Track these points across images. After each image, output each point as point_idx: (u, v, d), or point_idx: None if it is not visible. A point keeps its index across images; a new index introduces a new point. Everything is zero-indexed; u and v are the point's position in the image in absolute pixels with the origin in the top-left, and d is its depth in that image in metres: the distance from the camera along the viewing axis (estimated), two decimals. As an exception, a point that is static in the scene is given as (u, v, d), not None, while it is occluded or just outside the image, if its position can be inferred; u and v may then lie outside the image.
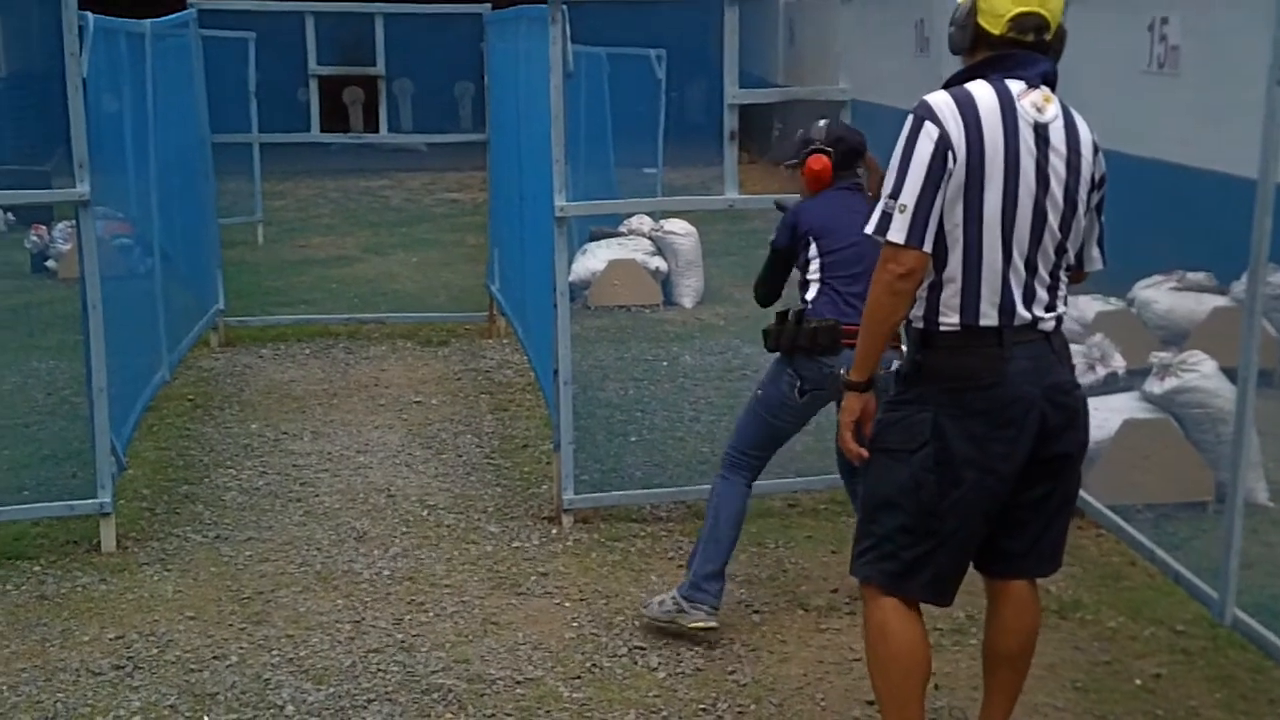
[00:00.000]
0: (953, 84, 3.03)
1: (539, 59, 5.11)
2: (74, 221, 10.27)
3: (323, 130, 8.32)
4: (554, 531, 5.11)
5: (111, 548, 4.87)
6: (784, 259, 4.33)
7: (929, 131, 2.92)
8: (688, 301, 9.27)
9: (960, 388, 2.98)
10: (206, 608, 4.45)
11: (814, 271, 4.23)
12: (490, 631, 4.30)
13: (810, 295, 4.22)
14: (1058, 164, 2.98)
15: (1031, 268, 2.99)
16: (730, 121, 5.00)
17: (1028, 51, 3.01)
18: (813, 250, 4.22)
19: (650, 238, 9.64)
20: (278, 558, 4.89)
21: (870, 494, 3.17)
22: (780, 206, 4.46)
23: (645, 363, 7.60)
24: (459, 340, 8.34)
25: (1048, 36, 3.03)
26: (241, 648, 4.17)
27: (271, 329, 8.46)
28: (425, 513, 5.34)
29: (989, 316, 2.96)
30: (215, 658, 4.11)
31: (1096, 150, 3.08)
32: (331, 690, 3.92)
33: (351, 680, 3.97)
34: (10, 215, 11.90)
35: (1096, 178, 3.08)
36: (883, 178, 3.05)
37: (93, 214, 4.69)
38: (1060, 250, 3.03)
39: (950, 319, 2.98)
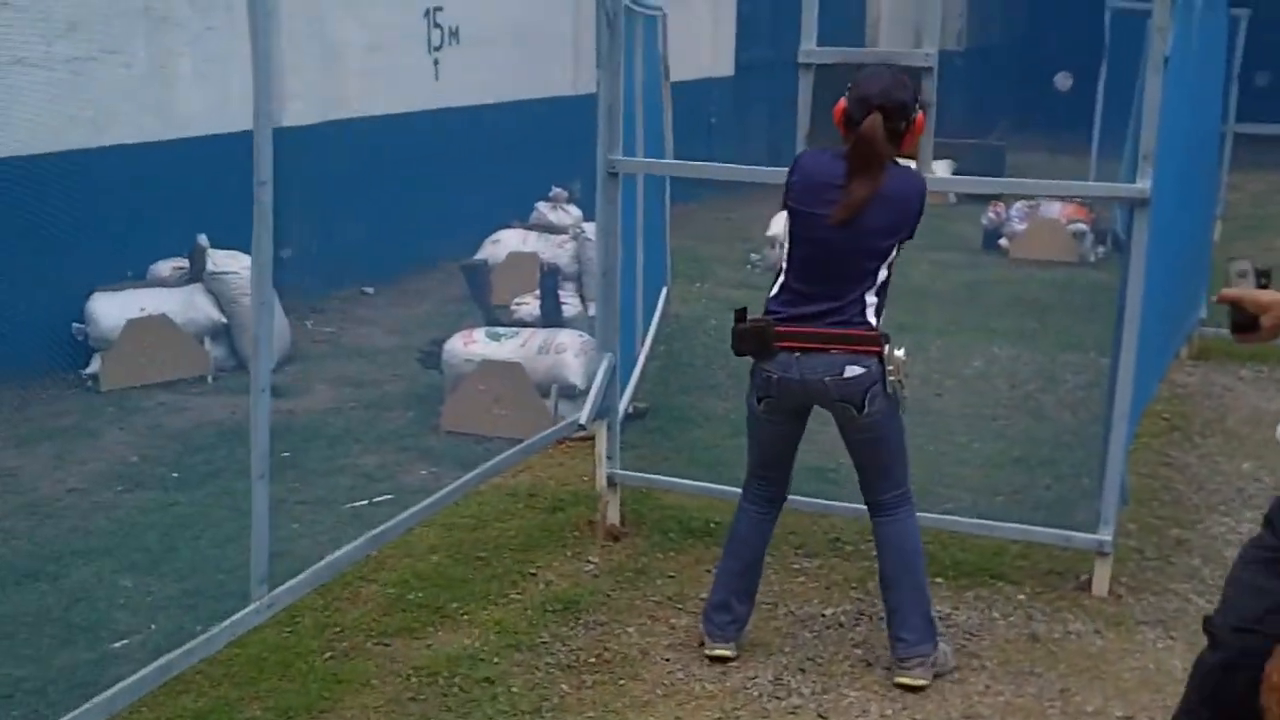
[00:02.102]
0: None
1: None
2: (1033, 202, 10.17)
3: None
4: None
5: (1104, 592, 4.28)
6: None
7: None
8: None
9: None
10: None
11: (784, 254, 3.65)
12: None
13: (773, 289, 3.68)
14: None
15: None
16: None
17: None
18: (789, 225, 3.63)
19: None
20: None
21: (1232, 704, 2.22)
22: None
23: None
24: None
25: None
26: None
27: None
28: None
29: None
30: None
31: None
32: None
33: None
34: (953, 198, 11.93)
35: None
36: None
37: (1151, 216, 4.05)
38: None
39: None
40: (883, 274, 3.59)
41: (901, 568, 3.72)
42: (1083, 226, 9.87)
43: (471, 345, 5.92)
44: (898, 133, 3.50)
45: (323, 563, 3.68)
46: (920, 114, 3.56)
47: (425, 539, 4.64)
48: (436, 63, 8.86)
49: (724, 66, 12.98)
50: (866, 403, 3.58)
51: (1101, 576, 4.29)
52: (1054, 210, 9.97)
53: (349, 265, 8.21)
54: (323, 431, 5.83)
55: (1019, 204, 10.22)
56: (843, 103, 3.55)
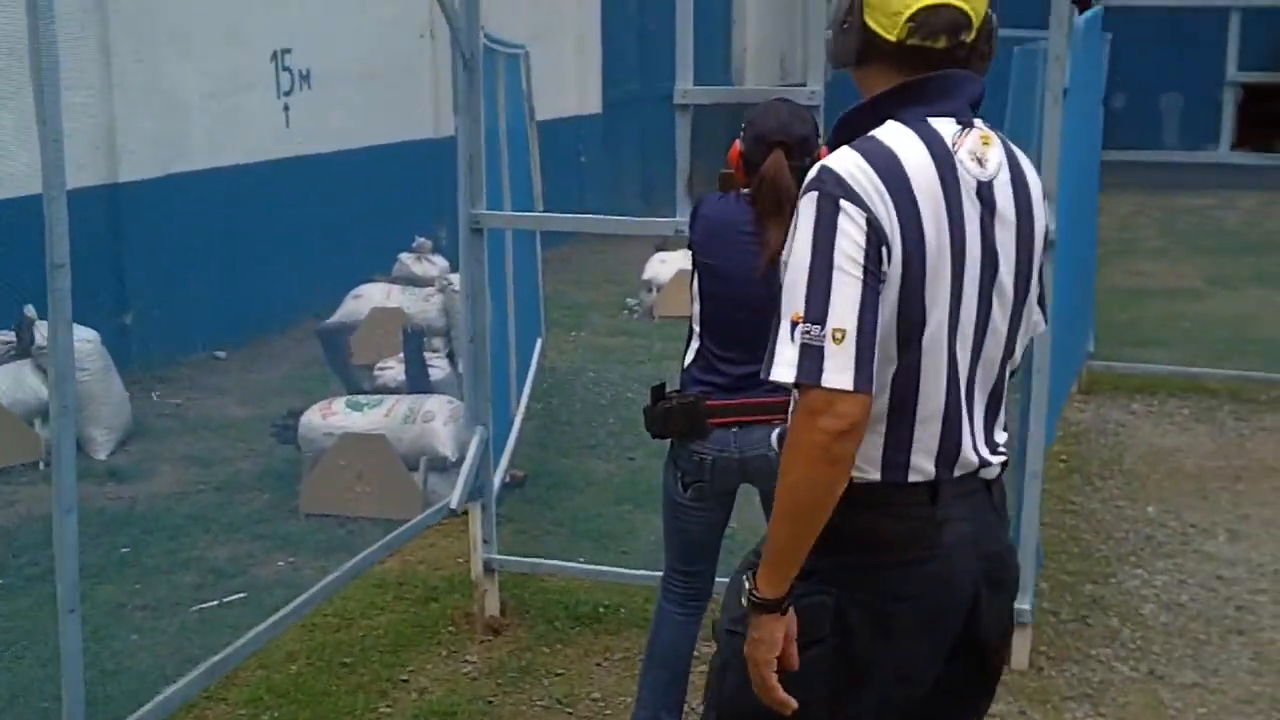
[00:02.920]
0: (849, 130, 2.06)
1: None
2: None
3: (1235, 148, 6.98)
4: None
5: (1024, 665, 3.99)
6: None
7: (852, 216, 1.92)
8: None
9: (876, 564, 2.03)
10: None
11: (695, 316, 3.25)
12: None
13: (688, 357, 3.26)
14: (1006, 240, 2.05)
15: (971, 391, 2.06)
16: None
17: (953, 68, 2.04)
18: (695, 282, 3.25)
19: None
20: (1236, 719, 3.74)
21: (726, 705, 2.15)
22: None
23: None
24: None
25: (968, 38, 2.05)
26: None
27: (1133, 377, 7.28)
28: None
29: (921, 469, 2.03)
30: None
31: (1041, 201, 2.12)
32: None
33: None
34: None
35: (1045, 240, 2.17)
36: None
37: (1057, 259, 3.78)
38: (1006, 358, 2.11)
39: (867, 474, 2.01)
40: None
41: None
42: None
43: (331, 417, 5.44)
44: (803, 170, 3.14)
45: (148, 707, 3.18)
46: (824, 149, 3.20)
47: (283, 644, 4.15)
48: (287, 108, 8.36)
49: (591, 104, 12.66)
50: None
51: (1021, 648, 3.99)
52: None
53: (198, 328, 7.64)
54: (166, 520, 5.28)
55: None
56: (737, 145, 3.20)
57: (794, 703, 1.99)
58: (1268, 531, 5.12)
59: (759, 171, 3.06)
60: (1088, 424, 6.54)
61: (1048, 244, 2.30)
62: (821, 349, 1.87)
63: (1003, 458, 2.12)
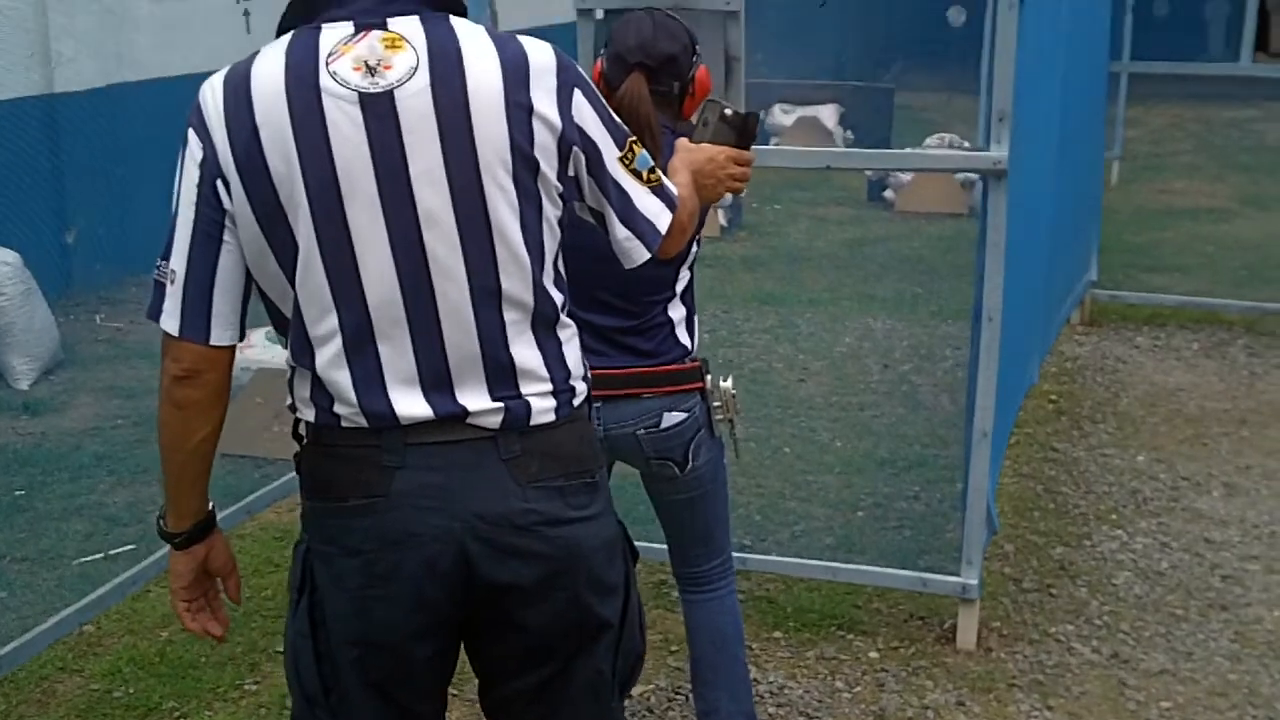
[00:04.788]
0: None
1: None
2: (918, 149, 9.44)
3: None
4: None
5: (970, 644, 3.56)
6: None
7: (192, 150, 1.79)
8: None
9: (324, 509, 1.88)
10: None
11: None
12: None
13: None
14: (423, 154, 1.75)
15: (424, 327, 1.80)
16: None
17: None
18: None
19: None
20: (1204, 714, 3.30)
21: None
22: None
23: None
24: None
25: None
26: None
27: (1144, 307, 6.74)
28: None
29: (351, 415, 1.82)
30: None
31: (542, 96, 1.80)
32: None
33: None
34: (849, 133, 11.21)
35: (539, 138, 1.79)
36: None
37: (1009, 189, 3.28)
38: (489, 288, 1.80)
39: (306, 413, 1.88)
40: (684, 277, 2.75)
41: (722, 658, 2.92)
42: (973, 176, 9.15)
43: (248, 350, 5.03)
44: (670, 96, 2.64)
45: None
46: (701, 69, 2.70)
47: (161, 605, 3.79)
48: (246, 13, 7.85)
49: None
50: (690, 456, 2.77)
51: (967, 626, 3.56)
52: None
53: (148, 247, 7.22)
54: (72, 459, 4.91)
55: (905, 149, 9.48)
56: (599, 64, 2.71)
57: (217, 631, 2.05)
58: (1269, 486, 4.64)
59: (615, 96, 2.56)
60: (1085, 359, 6.03)
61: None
62: (164, 287, 1.84)
63: (517, 406, 1.84)
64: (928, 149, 9.48)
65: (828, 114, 11.29)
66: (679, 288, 2.75)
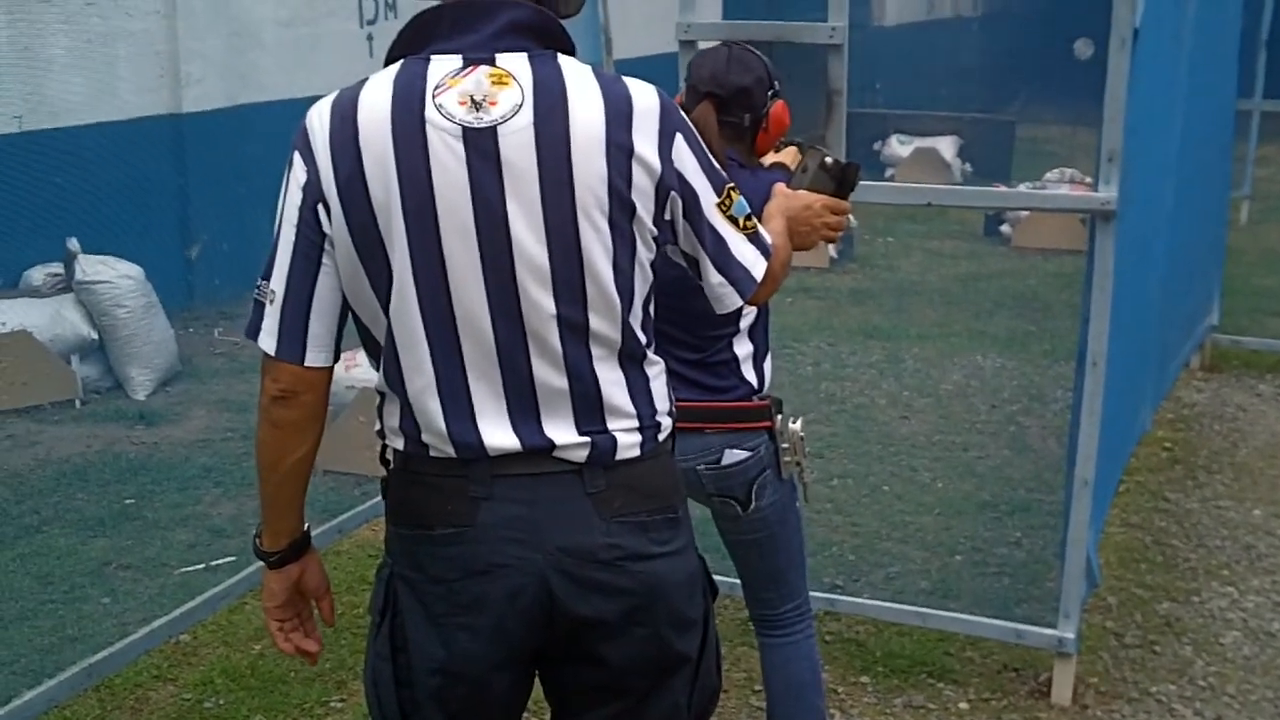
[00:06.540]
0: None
1: None
2: (1038, 183, 9.26)
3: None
4: None
5: (1066, 700, 3.45)
6: None
7: (296, 172, 1.79)
8: None
9: (410, 536, 1.88)
10: None
11: None
12: None
13: None
14: (520, 191, 1.74)
15: (513, 360, 1.79)
16: None
17: None
18: None
19: None
20: (1312, 786, 3.16)
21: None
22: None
23: None
24: None
25: None
26: None
27: (1268, 354, 6.51)
28: None
29: (439, 445, 1.82)
30: None
31: (643, 139, 1.78)
32: None
33: None
34: (968, 166, 11.05)
35: (637, 181, 1.78)
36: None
37: (1118, 231, 3.19)
38: (576, 324, 1.79)
39: (395, 441, 1.87)
40: (749, 314, 2.71)
41: (798, 707, 2.87)
42: (1093, 211, 8.94)
43: (354, 369, 5.10)
44: (741, 128, 2.62)
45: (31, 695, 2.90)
46: (778, 104, 2.67)
47: (256, 618, 3.86)
48: (370, 38, 8.03)
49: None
50: (754, 496, 2.74)
51: (1063, 681, 3.45)
52: (1062, 191, 9.04)
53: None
54: (181, 470, 5.04)
55: (1023, 185, 9.32)
56: (680, 94, 2.70)
57: (312, 648, 2.03)
58: (1395, 548, 4.43)
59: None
60: (1203, 407, 5.83)
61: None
62: (263, 306, 1.83)
63: (604, 432, 1.83)
64: (1047, 183, 9.32)
65: (946, 145, 11.15)
66: (744, 324, 2.71)
